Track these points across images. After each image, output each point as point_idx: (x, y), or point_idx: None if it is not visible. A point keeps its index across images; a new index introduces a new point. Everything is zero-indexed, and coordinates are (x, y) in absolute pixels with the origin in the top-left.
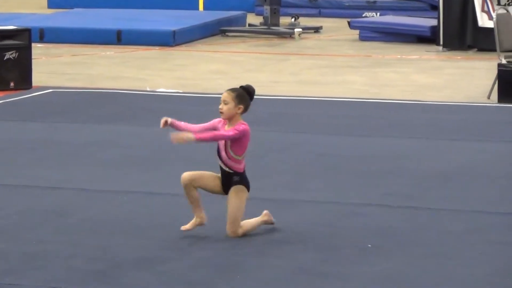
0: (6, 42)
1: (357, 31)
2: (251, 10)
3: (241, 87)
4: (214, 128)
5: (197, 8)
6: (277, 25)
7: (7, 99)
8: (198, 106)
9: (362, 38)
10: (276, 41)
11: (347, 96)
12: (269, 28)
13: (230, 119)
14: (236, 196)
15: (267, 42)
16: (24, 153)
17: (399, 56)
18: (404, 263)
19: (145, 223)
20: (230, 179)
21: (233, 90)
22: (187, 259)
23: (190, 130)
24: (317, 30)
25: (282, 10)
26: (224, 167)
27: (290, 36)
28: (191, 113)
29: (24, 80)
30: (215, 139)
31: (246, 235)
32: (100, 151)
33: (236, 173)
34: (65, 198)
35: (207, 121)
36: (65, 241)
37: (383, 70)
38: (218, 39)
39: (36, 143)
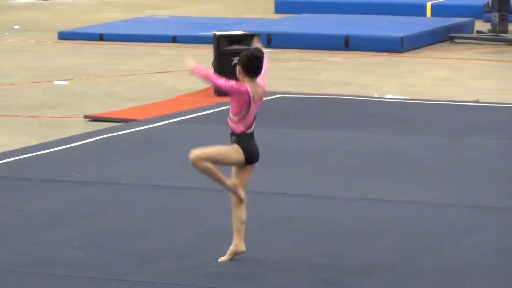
0: (234, 47)
1: None
2: (478, 17)
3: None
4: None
5: (425, 15)
6: (506, 32)
7: None
8: (425, 112)
9: None
10: (504, 48)
11: None
12: (497, 35)
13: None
14: (226, 146)
15: (494, 49)
16: None
17: None
18: None
19: (371, 230)
20: (230, 138)
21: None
22: (413, 266)
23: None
24: None
25: (511, 17)
26: (228, 127)
27: None
28: (416, 119)
29: None
30: (206, 78)
31: (202, 171)
32: (325, 157)
33: (233, 133)
34: (291, 203)
35: (432, 129)
36: (292, 248)
37: None
38: (445, 45)
39: (262, 148)
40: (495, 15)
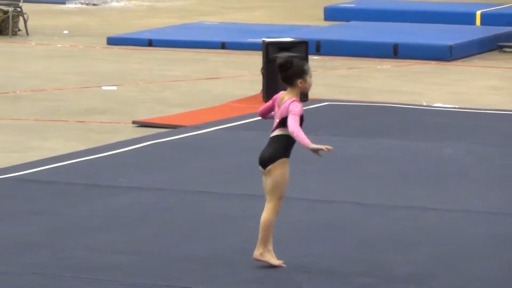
0: (283, 54)
1: None
2: None
3: None
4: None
5: (474, 23)
6: None
7: None
8: (473, 121)
9: None
10: None
11: None
12: None
13: None
14: None
15: None
16: (301, 165)
17: None
18: None
19: (416, 238)
20: None
21: None
22: (457, 275)
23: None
24: None
25: None
26: None
27: None
28: (464, 128)
29: None
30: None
31: None
32: (371, 164)
33: None
34: (337, 211)
35: (480, 138)
36: (335, 254)
37: None
38: (495, 54)
39: (310, 156)
40: None
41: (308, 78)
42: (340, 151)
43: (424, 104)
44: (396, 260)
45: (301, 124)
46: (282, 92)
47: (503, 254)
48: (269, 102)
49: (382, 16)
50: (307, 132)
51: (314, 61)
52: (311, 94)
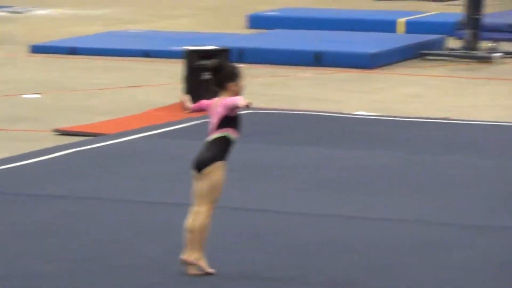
0: (205, 62)
1: None
2: (450, 34)
3: None
4: None
5: (395, 31)
6: (477, 49)
7: (204, 119)
8: (396, 129)
9: None
10: (476, 65)
11: None
12: (468, 52)
13: None
14: None
15: (466, 66)
16: None
17: None
18: None
19: (341, 246)
20: None
21: None
22: (381, 283)
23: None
24: None
25: (483, 34)
26: None
27: (490, 61)
28: (388, 136)
29: None
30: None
31: None
32: (295, 173)
33: None
34: (261, 219)
35: (406, 146)
36: (260, 262)
37: None
38: (417, 62)
39: (233, 164)
40: (467, 32)
41: (239, 82)
42: (264, 159)
43: (347, 112)
44: (322, 268)
45: (237, 125)
46: (215, 99)
47: (431, 262)
48: (203, 105)
49: (305, 24)
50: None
51: None
52: None
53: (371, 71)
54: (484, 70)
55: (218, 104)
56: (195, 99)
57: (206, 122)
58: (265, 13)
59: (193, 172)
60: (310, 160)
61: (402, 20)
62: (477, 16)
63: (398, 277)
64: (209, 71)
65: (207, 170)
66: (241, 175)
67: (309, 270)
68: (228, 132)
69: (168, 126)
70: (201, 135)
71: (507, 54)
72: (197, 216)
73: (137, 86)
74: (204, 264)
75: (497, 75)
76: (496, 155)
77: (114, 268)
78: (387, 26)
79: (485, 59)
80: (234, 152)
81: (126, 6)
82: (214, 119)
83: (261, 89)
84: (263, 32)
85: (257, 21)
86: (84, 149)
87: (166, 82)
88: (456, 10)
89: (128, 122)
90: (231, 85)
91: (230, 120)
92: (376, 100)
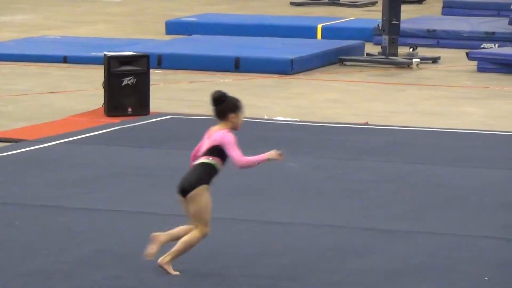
0: (124, 68)
1: (475, 62)
2: (369, 40)
3: None
4: None
5: (316, 37)
6: (395, 55)
7: (125, 124)
8: (315, 134)
9: (480, 69)
10: (394, 71)
11: (464, 128)
12: (387, 58)
13: None
14: None
15: (384, 72)
16: (140, 179)
17: None
18: None
19: (258, 251)
20: None
21: None
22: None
23: None
24: (435, 60)
25: (401, 40)
26: None
27: (408, 66)
28: (307, 141)
29: (141, 106)
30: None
31: None
32: (219, 179)
33: None
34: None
35: (325, 152)
36: (183, 267)
37: (501, 101)
38: (335, 68)
39: (153, 169)
40: (385, 38)
41: (240, 114)
42: (184, 165)
43: (266, 117)
44: (240, 273)
45: (225, 156)
46: (212, 127)
47: (344, 267)
48: (200, 143)
49: (224, 30)
50: (148, 145)
51: (155, 74)
52: (152, 108)
53: (290, 76)
54: (403, 75)
55: (214, 134)
56: (113, 105)
57: (126, 128)
58: (183, 19)
59: (179, 197)
60: (227, 165)
61: (320, 26)
62: (395, 22)
63: (313, 283)
64: (212, 101)
65: (191, 194)
66: (158, 180)
67: (227, 276)
68: (215, 161)
69: (87, 133)
70: (120, 141)
71: (425, 60)
72: (193, 232)
73: (56, 92)
74: (170, 268)
75: (415, 81)
76: (414, 160)
77: (19, 275)
78: (308, 32)
79: (403, 65)
80: (151, 158)
81: (43, 12)
82: (204, 145)
83: (181, 95)
84: (182, 38)
85: (176, 27)
86: (2, 156)
87: (85, 88)
88: (374, 16)
89: (48, 128)
90: (231, 116)
91: (219, 150)
92: (295, 105)
